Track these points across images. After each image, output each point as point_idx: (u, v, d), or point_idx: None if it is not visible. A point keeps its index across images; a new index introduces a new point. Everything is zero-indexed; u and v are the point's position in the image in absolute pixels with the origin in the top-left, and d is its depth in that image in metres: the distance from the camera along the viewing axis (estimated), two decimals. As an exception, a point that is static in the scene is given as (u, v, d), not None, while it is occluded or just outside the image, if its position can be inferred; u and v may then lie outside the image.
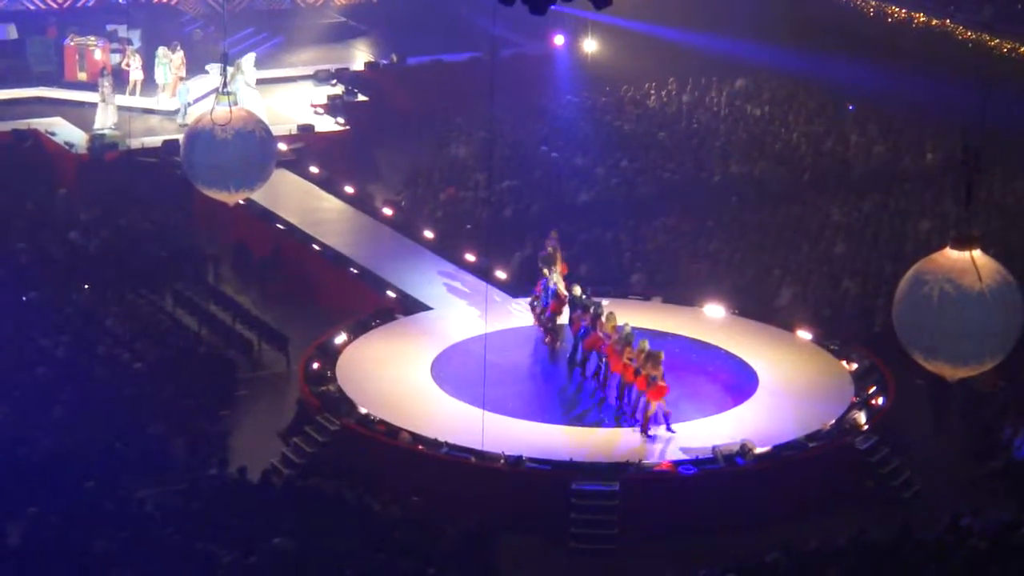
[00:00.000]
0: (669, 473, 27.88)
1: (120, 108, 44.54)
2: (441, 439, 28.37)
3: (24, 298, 33.60)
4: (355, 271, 36.23)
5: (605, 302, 31.57)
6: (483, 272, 35.41)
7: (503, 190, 41.61)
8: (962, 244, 22.18)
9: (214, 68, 44.55)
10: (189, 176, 28.90)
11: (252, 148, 28.02)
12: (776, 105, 48.84)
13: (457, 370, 31.29)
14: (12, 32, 49.20)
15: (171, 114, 45.11)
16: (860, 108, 47.62)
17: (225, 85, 28.64)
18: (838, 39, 48.18)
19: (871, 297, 35.48)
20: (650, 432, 28.80)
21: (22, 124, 44.18)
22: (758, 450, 28.33)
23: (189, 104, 44.21)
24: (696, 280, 36.53)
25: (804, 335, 32.98)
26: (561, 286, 32.03)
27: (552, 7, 20.78)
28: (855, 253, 38.33)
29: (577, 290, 31.77)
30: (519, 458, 27.83)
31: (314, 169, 42.25)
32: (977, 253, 22.08)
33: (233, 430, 30.85)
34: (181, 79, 45.45)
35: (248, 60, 44.74)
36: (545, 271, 32.38)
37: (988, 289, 21.83)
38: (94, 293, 34.79)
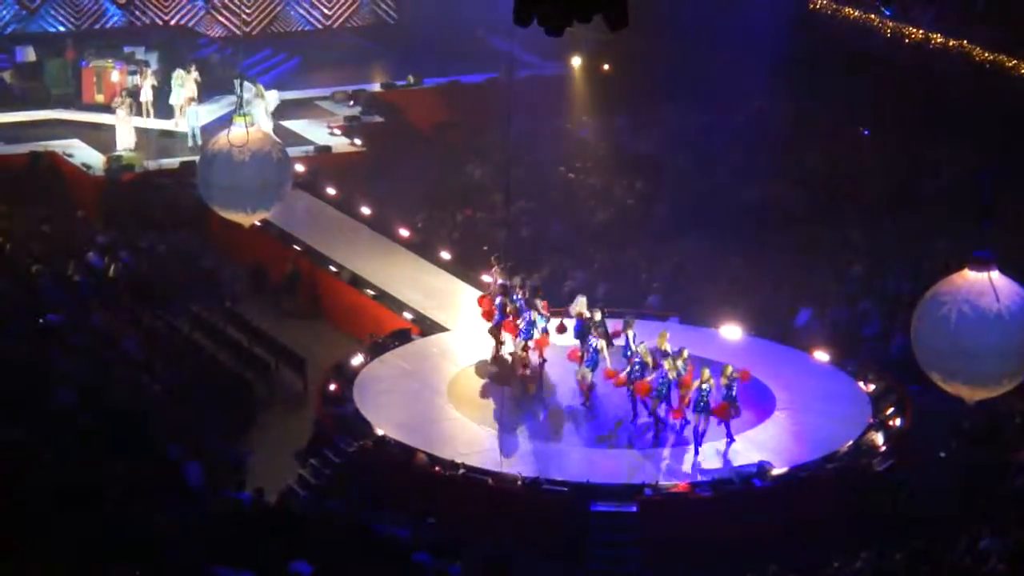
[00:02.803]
0: (687, 494, 27.85)
1: (137, 130, 44.67)
2: (458, 461, 28.37)
3: (41, 320, 33.66)
4: (372, 292, 36.25)
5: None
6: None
7: (520, 211, 41.61)
8: (980, 265, 22.11)
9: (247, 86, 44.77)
10: (205, 198, 28.90)
11: (269, 170, 28.04)
12: (793, 126, 48.76)
13: (474, 392, 31.28)
14: (30, 54, 49.35)
15: (185, 136, 45.22)
16: (877, 129, 47.51)
17: (242, 105, 28.68)
18: (855, 60, 48.10)
19: (888, 318, 35.40)
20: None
21: (40, 146, 44.30)
22: (776, 471, 28.30)
23: (197, 128, 44.31)
24: (713, 301, 36.46)
25: (821, 356, 32.93)
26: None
27: (568, 28, 20.78)
28: (872, 274, 38.25)
29: (598, 316, 31.57)
30: (536, 480, 27.81)
31: (331, 190, 42.28)
32: (995, 274, 22.01)
33: (250, 452, 30.85)
34: (191, 100, 45.53)
35: (272, 95, 45.02)
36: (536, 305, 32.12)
37: (1006, 309, 21.77)
38: (112, 315, 34.81)
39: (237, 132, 27.49)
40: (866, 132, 48.18)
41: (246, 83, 29.43)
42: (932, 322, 22.07)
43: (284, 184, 28.71)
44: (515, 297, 31.91)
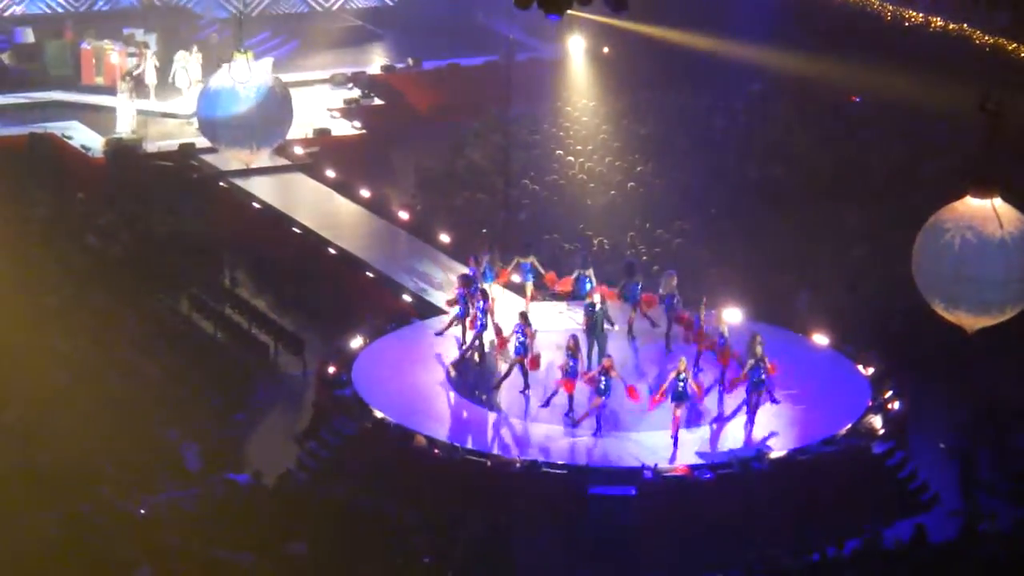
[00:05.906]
0: (686, 477, 27.84)
1: (140, 112, 44.65)
2: (457, 443, 28.37)
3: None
4: (371, 275, 36.24)
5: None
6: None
7: (519, 194, 41.57)
8: (982, 191, 21.91)
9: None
10: (209, 137, 29.05)
11: (273, 105, 28.28)
12: (793, 109, 48.72)
13: (473, 374, 31.28)
14: (29, 35, 49.28)
15: (188, 117, 45.15)
16: (880, 113, 47.43)
17: (241, 42, 28.86)
18: (855, 43, 48.04)
19: (888, 301, 35.36)
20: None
21: (39, 128, 44.24)
22: (774, 455, 28.30)
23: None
24: (713, 283, 36.43)
25: (821, 339, 32.91)
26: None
27: (568, 10, 20.75)
28: (872, 256, 38.20)
29: (597, 297, 31.61)
30: (535, 462, 27.81)
31: (330, 173, 42.24)
32: (998, 201, 21.83)
33: (248, 434, 30.88)
34: (198, 82, 45.54)
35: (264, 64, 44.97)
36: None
37: (1010, 236, 21.59)
38: (112, 298, 34.79)
39: (238, 67, 27.73)
40: (858, 99, 48.16)
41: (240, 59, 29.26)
42: (935, 249, 21.89)
43: (286, 119, 28.93)
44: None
